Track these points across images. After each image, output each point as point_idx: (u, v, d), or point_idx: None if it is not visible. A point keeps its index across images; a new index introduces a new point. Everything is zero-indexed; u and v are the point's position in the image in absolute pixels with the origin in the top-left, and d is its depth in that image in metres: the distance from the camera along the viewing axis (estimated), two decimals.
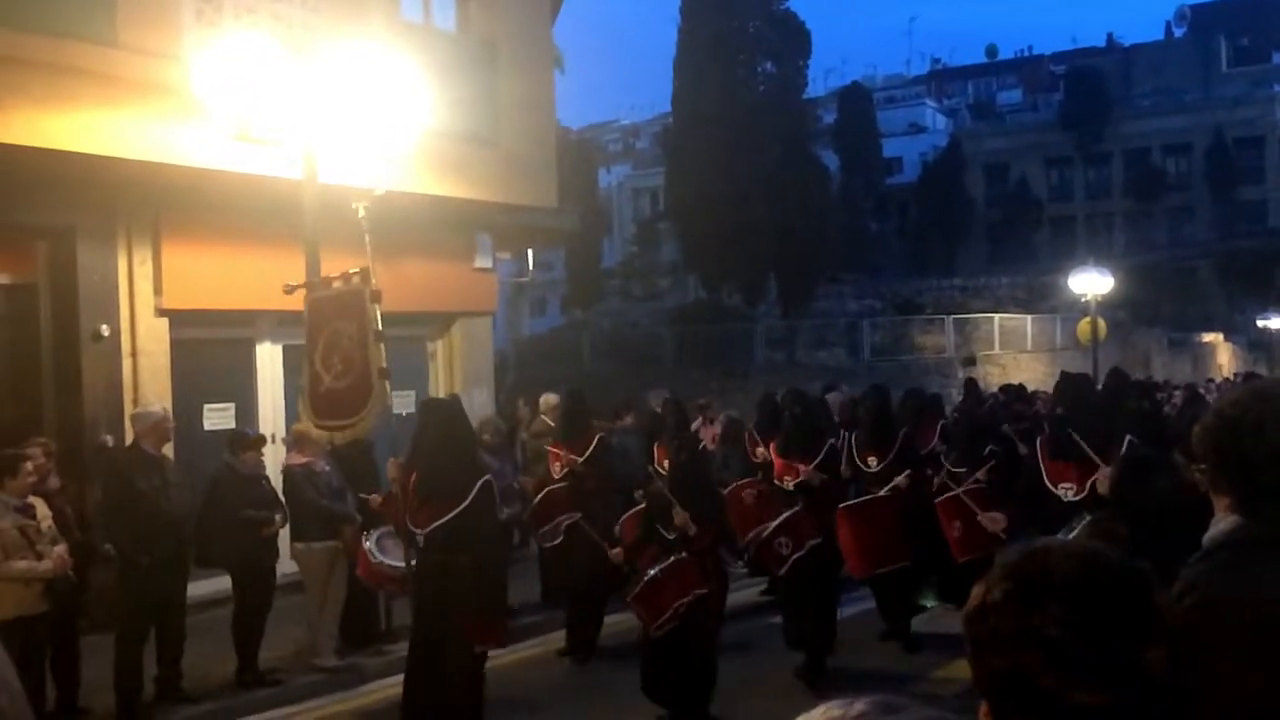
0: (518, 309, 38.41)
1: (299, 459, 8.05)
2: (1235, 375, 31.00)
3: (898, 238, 46.47)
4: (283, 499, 7.94)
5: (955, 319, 28.97)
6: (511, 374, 24.17)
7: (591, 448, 8.58)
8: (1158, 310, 37.73)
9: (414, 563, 6.57)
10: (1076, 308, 26.12)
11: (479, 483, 6.30)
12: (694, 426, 11.40)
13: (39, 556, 6.39)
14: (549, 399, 10.55)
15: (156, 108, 8.52)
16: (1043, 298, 33.55)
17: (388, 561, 7.12)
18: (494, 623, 6.40)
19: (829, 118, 43.19)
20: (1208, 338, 38.86)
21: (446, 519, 6.17)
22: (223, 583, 8.18)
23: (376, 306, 6.88)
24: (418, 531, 6.36)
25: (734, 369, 25.21)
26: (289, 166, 8.49)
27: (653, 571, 6.42)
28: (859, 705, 0.85)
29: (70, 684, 6.93)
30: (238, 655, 7.56)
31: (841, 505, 7.86)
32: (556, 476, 8.69)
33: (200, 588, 8.70)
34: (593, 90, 55.48)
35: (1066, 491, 6.03)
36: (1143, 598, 1.26)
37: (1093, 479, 5.92)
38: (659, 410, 11.58)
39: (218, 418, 10.42)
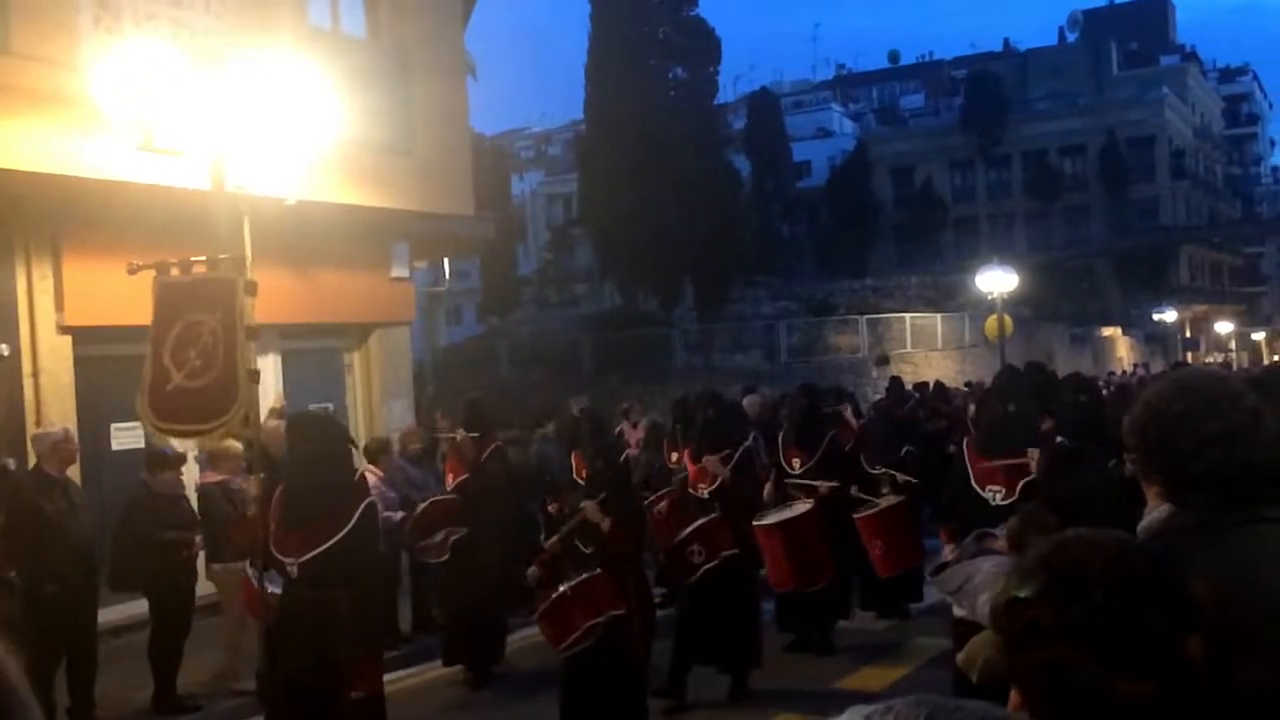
0: (434, 318, 37.93)
1: (214, 476, 7.83)
2: (1136, 366, 32.17)
3: (809, 240, 47.22)
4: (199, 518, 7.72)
5: (868, 319, 29.51)
6: (430, 384, 23.88)
7: (484, 457, 8.12)
8: (1058, 307, 38.93)
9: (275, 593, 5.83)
10: (983, 305, 26.80)
11: (361, 506, 5.64)
12: (617, 430, 11.38)
13: None
14: None
15: (54, 118, 8.22)
16: (950, 296, 34.37)
17: (274, 590, 6.46)
18: (371, 664, 5.79)
19: (739, 123, 43.67)
20: (1107, 332, 40.28)
21: (325, 547, 5.51)
22: (138, 606, 7.92)
23: (251, 300, 6.13)
24: (288, 561, 5.62)
25: (652, 374, 25.29)
26: (196, 177, 8.25)
27: (562, 587, 5.89)
28: (916, 711, 0.82)
29: None
30: (155, 681, 7.32)
31: (759, 524, 7.54)
32: (449, 488, 8.22)
33: (115, 612, 8.40)
34: (505, 97, 55.18)
35: (995, 494, 5.60)
36: (1177, 585, 1.27)
37: (1024, 481, 5.52)
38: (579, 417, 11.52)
39: (126, 437, 10.07)
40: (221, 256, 6.39)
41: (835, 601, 8.35)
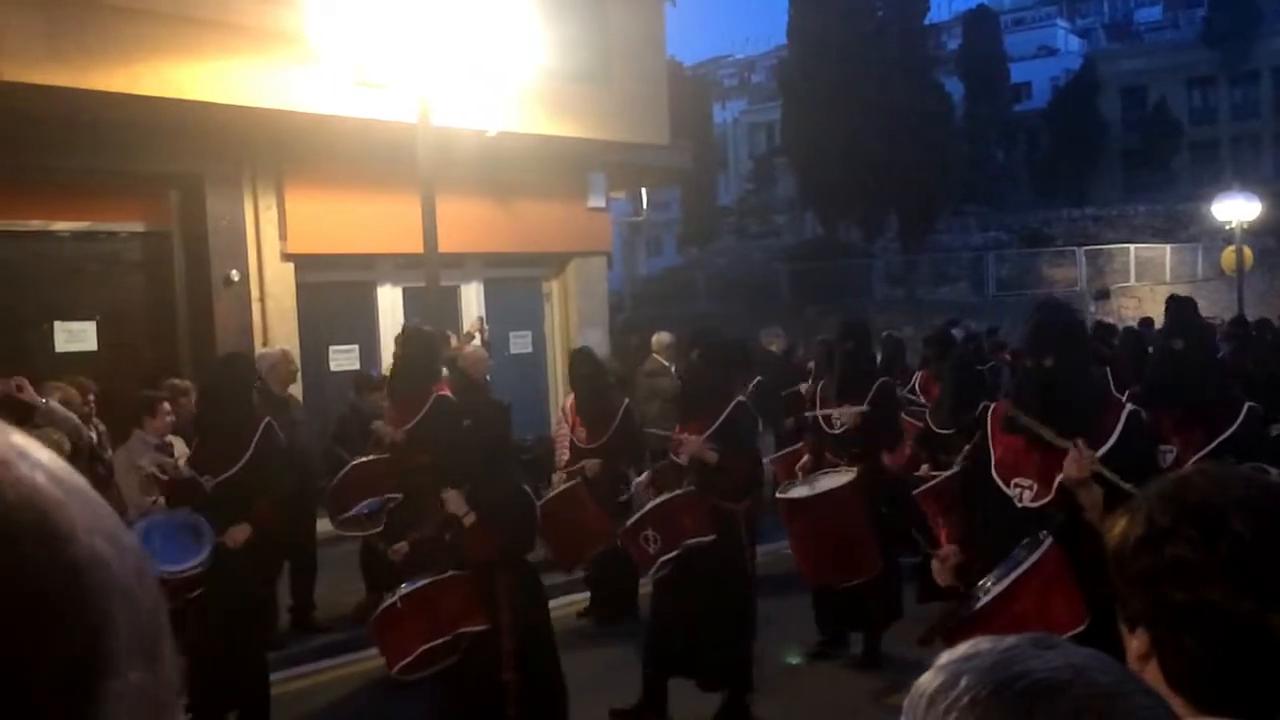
0: (633, 249, 38.41)
1: None
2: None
3: (1025, 167, 44.65)
4: None
5: (1087, 250, 27.82)
6: (626, 314, 24.27)
7: (425, 409, 6.64)
8: None
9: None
10: (1220, 236, 24.73)
11: None
12: (809, 364, 11.15)
13: None
14: (661, 337, 10.48)
15: (276, 55, 8.67)
16: (1182, 226, 31.87)
17: (162, 566, 4.97)
18: None
19: (953, 43, 41.54)
20: None
21: None
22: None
23: None
24: None
25: (852, 306, 24.74)
26: (404, 110, 8.56)
27: (395, 596, 4.63)
28: (1010, 640, 0.80)
29: None
30: (366, 587, 7.79)
31: (780, 496, 6.09)
32: (385, 446, 6.89)
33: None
34: (706, 24, 54.61)
35: (1022, 492, 3.70)
36: None
37: (1061, 478, 3.62)
38: (771, 349, 11.27)
39: (343, 359, 10.74)
40: None
41: (884, 599, 6.58)
